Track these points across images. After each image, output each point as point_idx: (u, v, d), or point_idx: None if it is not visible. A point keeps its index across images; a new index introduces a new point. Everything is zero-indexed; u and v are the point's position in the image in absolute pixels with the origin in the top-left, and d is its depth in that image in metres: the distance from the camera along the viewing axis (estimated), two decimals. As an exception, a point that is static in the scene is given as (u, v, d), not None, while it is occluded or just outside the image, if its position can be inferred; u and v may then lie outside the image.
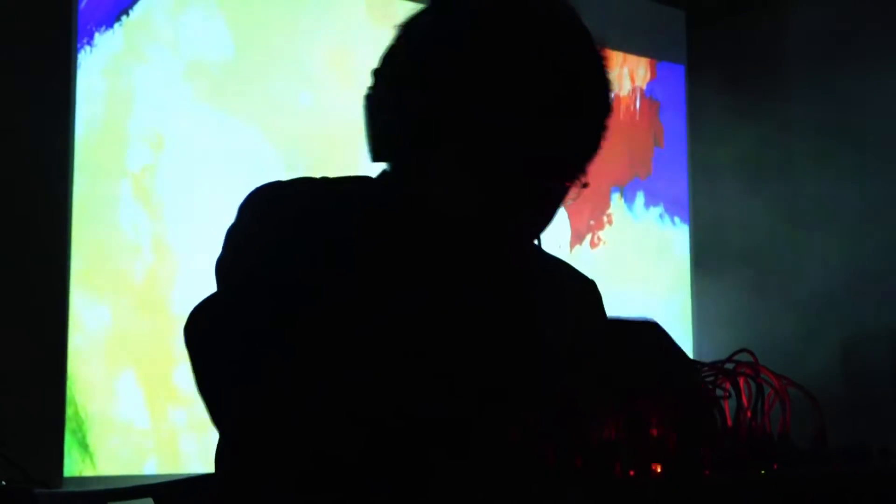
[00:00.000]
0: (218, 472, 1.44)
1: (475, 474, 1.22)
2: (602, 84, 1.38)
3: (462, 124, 1.33)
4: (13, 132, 3.50)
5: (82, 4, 3.68)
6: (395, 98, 1.36)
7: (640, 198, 5.32)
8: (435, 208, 1.37)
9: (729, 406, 1.38)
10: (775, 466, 1.32)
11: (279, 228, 1.36)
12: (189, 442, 3.73)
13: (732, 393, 1.38)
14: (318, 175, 1.48)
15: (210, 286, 1.41)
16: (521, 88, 1.31)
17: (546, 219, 1.41)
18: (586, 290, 1.63)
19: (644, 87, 5.42)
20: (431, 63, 1.34)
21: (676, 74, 5.56)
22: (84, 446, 3.61)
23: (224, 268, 1.41)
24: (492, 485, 1.19)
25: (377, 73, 1.40)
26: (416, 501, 1.26)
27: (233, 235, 1.41)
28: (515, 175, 1.33)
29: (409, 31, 1.39)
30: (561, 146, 1.35)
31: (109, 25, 3.73)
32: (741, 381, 1.40)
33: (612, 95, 1.39)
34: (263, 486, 1.34)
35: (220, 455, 1.44)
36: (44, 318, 3.57)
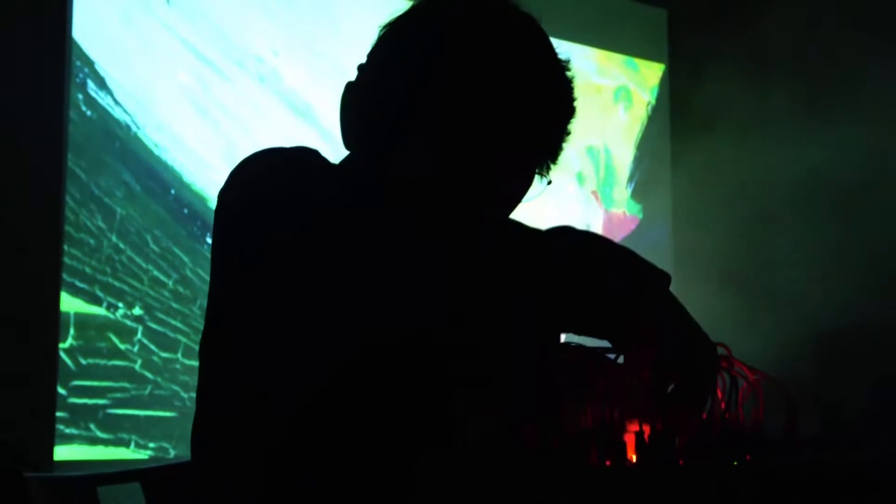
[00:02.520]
0: (196, 452, 1.45)
1: (458, 460, 1.22)
2: (564, 91, 1.45)
3: (436, 117, 1.39)
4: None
5: None
6: (377, 89, 1.42)
7: (621, 195, 5.33)
8: (406, 189, 1.42)
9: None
10: (748, 457, 1.33)
11: (271, 191, 1.40)
12: (179, 427, 3.73)
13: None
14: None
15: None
16: (489, 91, 1.38)
17: (512, 202, 1.47)
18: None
19: (627, 84, 5.43)
20: (411, 62, 1.40)
21: (659, 73, 5.57)
22: (75, 430, 3.61)
23: (218, 239, 1.44)
24: (474, 470, 1.19)
25: (362, 68, 1.46)
26: (404, 487, 1.26)
27: (227, 196, 1.43)
28: (481, 164, 1.39)
29: (393, 32, 1.46)
30: (525, 143, 1.43)
31: None
32: (716, 373, 1.40)
33: (575, 101, 1.46)
34: (240, 467, 1.35)
35: (199, 433, 1.45)
36: (36, 304, 3.56)
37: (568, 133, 1.47)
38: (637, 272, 1.50)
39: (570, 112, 1.47)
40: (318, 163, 1.47)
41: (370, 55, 1.47)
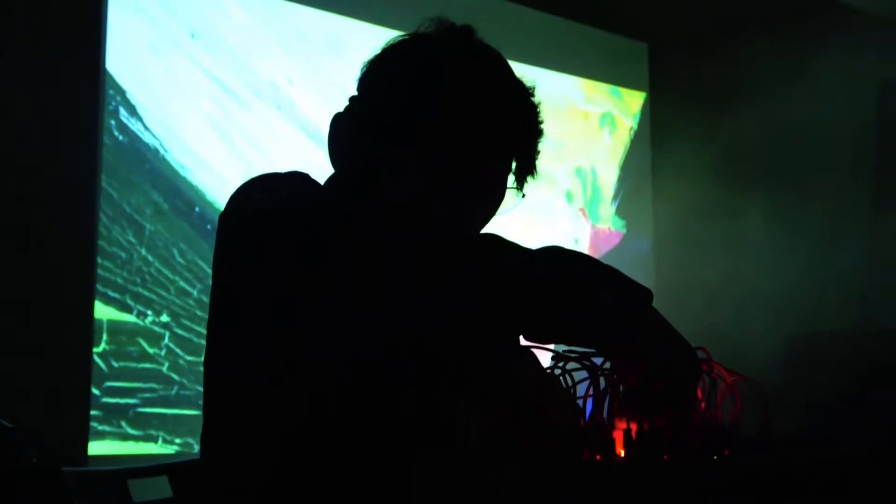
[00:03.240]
0: (206, 457, 1.43)
1: (455, 463, 1.21)
2: (529, 111, 1.49)
3: (420, 139, 1.42)
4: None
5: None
6: (364, 118, 1.46)
7: (606, 211, 5.32)
8: (392, 203, 1.44)
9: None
10: (726, 452, 1.32)
11: (270, 216, 1.40)
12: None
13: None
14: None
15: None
16: (466, 115, 1.42)
17: (488, 215, 1.50)
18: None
19: (612, 111, 5.43)
20: (395, 93, 1.44)
21: (640, 100, 5.57)
22: (108, 427, 3.59)
23: (219, 254, 1.44)
24: (471, 472, 1.18)
25: (353, 98, 1.50)
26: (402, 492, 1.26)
27: (227, 221, 1.43)
28: (462, 180, 1.43)
29: (377, 68, 1.49)
30: (498, 158, 1.47)
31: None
32: (697, 375, 1.39)
33: (542, 122, 1.50)
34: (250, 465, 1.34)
35: (209, 438, 1.44)
36: (72, 312, 3.55)
37: (538, 151, 1.50)
38: (623, 289, 1.50)
39: (536, 130, 1.49)
40: (309, 184, 1.49)
41: (360, 87, 1.50)
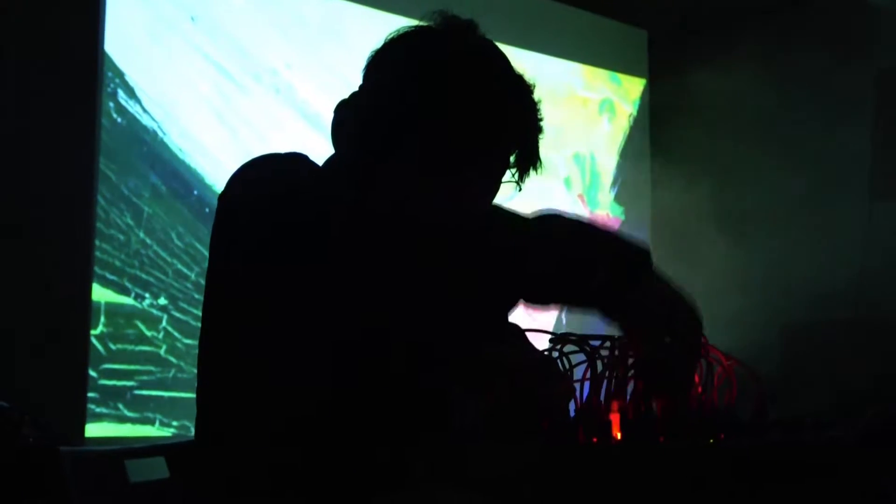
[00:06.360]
0: (202, 438, 1.44)
1: (454, 441, 1.22)
2: (533, 114, 1.50)
3: (423, 132, 1.43)
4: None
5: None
6: (368, 110, 1.47)
7: (605, 198, 5.33)
8: (391, 193, 1.45)
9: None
10: (722, 436, 1.33)
11: (268, 198, 1.41)
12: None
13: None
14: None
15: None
16: (471, 114, 1.43)
17: (484, 207, 1.52)
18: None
19: (611, 97, 5.43)
20: (403, 83, 1.45)
21: (640, 87, 5.57)
22: (105, 409, 3.60)
23: (216, 235, 1.45)
24: (468, 452, 1.19)
25: (358, 88, 1.50)
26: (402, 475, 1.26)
27: (228, 201, 1.44)
28: (462, 175, 1.44)
29: (381, 61, 1.50)
30: (500, 156, 1.49)
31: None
32: (693, 359, 1.40)
33: (541, 119, 1.51)
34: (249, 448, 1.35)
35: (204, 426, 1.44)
36: (70, 294, 3.56)
37: (538, 147, 1.51)
38: (620, 256, 1.51)
39: (536, 127, 1.51)
40: (308, 166, 1.49)
41: (363, 78, 1.51)
